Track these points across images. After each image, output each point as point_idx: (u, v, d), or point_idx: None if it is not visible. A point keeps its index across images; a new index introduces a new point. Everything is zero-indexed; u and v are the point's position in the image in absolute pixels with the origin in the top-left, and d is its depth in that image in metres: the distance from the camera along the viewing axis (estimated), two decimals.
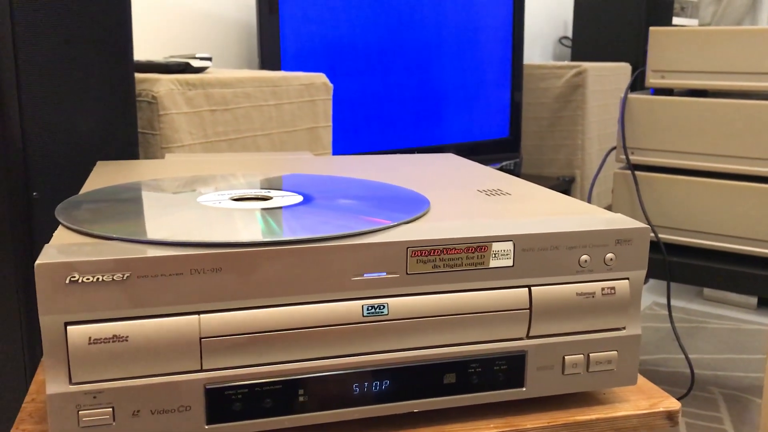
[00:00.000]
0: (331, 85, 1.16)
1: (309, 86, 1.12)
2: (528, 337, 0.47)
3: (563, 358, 0.48)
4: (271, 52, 1.44)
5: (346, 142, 1.67)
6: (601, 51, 2.47)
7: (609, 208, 1.61)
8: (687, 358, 1.31)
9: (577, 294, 0.47)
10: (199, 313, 0.40)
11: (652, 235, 1.34)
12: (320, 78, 1.14)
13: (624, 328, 0.49)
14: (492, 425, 0.47)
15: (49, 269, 0.38)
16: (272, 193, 0.55)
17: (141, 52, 1.36)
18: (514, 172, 2.14)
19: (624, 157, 1.37)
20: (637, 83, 1.44)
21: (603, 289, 0.47)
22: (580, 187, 2.19)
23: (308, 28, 1.53)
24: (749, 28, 1.26)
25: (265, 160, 0.74)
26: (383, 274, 0.43)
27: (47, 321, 0.38)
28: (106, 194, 0.54)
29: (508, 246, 0.45)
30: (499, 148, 2.13)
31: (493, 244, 0.45)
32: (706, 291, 2.36)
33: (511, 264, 0.46)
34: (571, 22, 2.64)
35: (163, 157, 0.92)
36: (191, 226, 0.44)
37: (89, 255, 0.39)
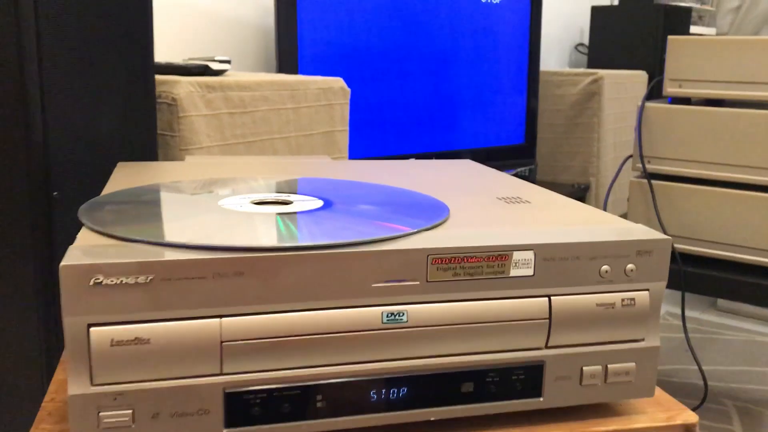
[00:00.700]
0: (348, 90, 1.16)
1: (326, 90, 1.13)
2: (547, 347, 0.47)
3: (581, 368, 0.48)
4: (289, 55, 1.45)
5: (361, 146, 1.67)
6: (617, 58, 2.46)
7: (624, 216, 1.61)
8: (700, 369, 1.30)
9: (597, 305, 0.47)
10: (220, 317, 0.41)
11: None
12: (338, 82, 1.15)
13: (643, 339, 0.49)
14: None
15: (74, 271, 0.38)
16: (292, 197, 0.55)
17: (161, 54, 1.37)
18: (529, 178, 2.13)
19: (640, 165, 1.36)
20: (654, 92, 1.43)
21: (623, 300, 0.47)
22: (595, 195, 2.19)
23: (326, 32, 1.53)
24: (767, 38, 1.25)
25: (284, 163, 0.74)
26: (403, 281, 0.43)
27: (70, 322, 0.39)
28: (128, 196, 0.55)
29: (529, 255, 0.45)
30: (515, 154, 2.13)
31: (514, 253, 0.45)
32: (720, 302, 2.34)
33: (532, 273, 0.45)
34: (588, 29, 2.64)
35: (181, 158, 0.92)
36: (214, 230, 0.45)
37: (113, 257, 0.39)
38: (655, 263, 0.48)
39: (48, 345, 0.77)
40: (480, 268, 0.45)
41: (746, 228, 1.27)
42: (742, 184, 1.27)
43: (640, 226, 0.50)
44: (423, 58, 1.79)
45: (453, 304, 0.45)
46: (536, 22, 2.13)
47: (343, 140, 1.18)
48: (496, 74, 2.03)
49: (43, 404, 0.49)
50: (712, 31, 2.98)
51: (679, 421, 0.50)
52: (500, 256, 0.45)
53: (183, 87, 0.92)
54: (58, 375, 0.53)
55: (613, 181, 1.48)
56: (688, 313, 2.29)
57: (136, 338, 0.39)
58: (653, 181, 1.36)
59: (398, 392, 0.45)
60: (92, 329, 0.39)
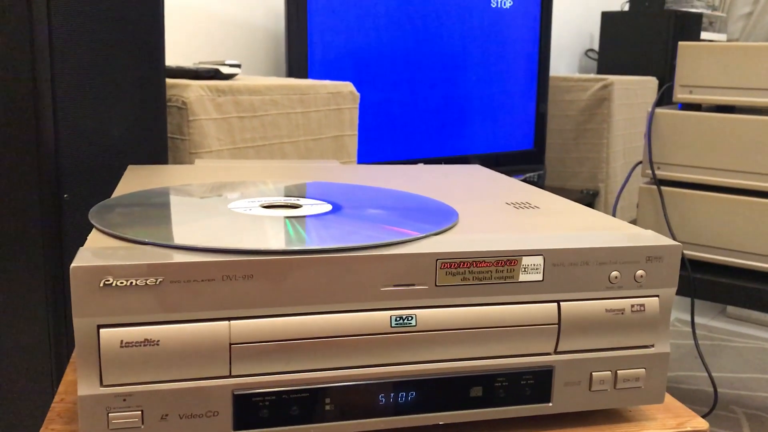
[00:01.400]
0: (357, 94, 1.17)
1: (336, 95, 1.13)
2: (556, 352, 0.47)
3: (590, 374, 0.47)
4: (299, 59, 1.45)
5: (370, 151, 1.68)
6: (627, 64, 2.45)
7: (633, 222, 1.60)
8: (710, 376, 1.29)
9: (607, 310, 0.47)
10: (229, 319, 0.41)
11: None
12: (347, 87, 1.15)
13: (653, 345, 0.48)
14: None
15: (84, 272, 0.38)
16: (301, 201, 0.55)
17: (171, 58, 1.38)
18: (538, 184, 2.13)
19: (650, 171, 1.36)
20: (664, 98, 1.43)
21: (633, 306, 0.47)
22: (604, 201, 2.18)
23: (336, 37, 1.54)
24: None
25: (293, 167, 0.74)
26: (412, 286, 0.43)
27: (80, 323, 0.39)
28: (138, 198, 0.55)
29: (539, 260, 0.45)
30: (523, 159, 2.13)
31: (523, 258, 0.45)
32: (729, 309, 2.33)
33: (541, 278, 0.45)
34: (598, 34, 2.64)
35: (191, 162, 0.92)
36: (223, 233, 0.45)
37: (123, 259, 0.39)
38: (665, 269, 0.48)
39: (58, 346, 0.78)
40: (489, 272, 0.44)
41: (756, 235, 1.26)
42: (752, 190, 1.27)
43: (649, 232, 0.50)
44: (432, 63, 1.79)
45: (462, 308, 0.45)
46: (546, 28, 2.13)
47: (352, 145, 1.18)
48: (505, 79, 2.03)
49: (52, 405, 0.49)
50: (723, 37, 2.97)
51: (689, 428, 0.50)
52: (509, 261, 0.45)
53: (193, 91, 0.92)
54: (68, 376, 0.54)
55: (623, 187, 1.47)
56: (697, 319, 2.28)
57: (145, 340, 0.39)
58: (663, 188, 1.35)
59: (407, 396, 0.45)
60: (102, 330, 0.39)
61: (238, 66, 1.11)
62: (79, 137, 0.76)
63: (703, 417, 0.49)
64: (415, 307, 0.44)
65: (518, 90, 2.08)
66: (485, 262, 0.44)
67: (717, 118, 1.28)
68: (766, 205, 1.25)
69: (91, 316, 0.39)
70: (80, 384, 0.39)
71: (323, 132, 1.12)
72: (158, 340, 0.40)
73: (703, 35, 2.70)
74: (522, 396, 0.47)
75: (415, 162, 1.79)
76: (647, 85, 2.34)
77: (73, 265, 0.38)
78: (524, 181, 2.07)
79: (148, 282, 0.39)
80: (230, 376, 0.41)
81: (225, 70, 1.04)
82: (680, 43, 1.33)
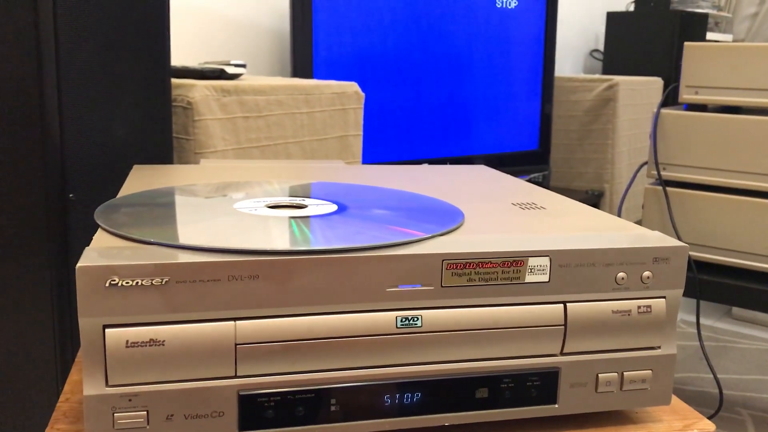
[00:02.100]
0: (362, 94, 1.16)
1: (341, 95, 1.13)
2: (562, 353, 0.46)
3: (597, 375, 0.47)
4: (304, 60, 1.45)
5: (375, 151, 1.67)
6: (632, 65, 2.45)
7: (638, 223, 1.60)
8: (716, 378, 1.29)
9: (613, 312, 0.47)
10: (235, 319, 0.41)
11: None
12: (352, 87, 1.15)
13: (659, 347, 0.48)
14: None
15: (90, 272, 0.38)
16: (306, 201, 0.55)
17: (177, 58, 1.38)
18: (543, 184, 2.13)
19: (655, 172, 1.36)
20: (670, 98, 1.42)
21: (639, 307, 0.47)
22: (609, 202, 2.18)
23: (341, 37, 1.54)
24: None
25: (298, 167, 0.74)
26: (418, 286, 0.43)
27: (86, 323, 0.39)
28: (144, 198, 0.55)
29: (545, 261, 0.45)
30: (528, 160, 2.13)
31: (530, 258, 0.45)
32: (735, 310, 2.32)
33: (547, 279, 0.45)
34: (603, 35, 2.63)
35: (196, 161, 0.93)
36: (229, 233, 0.45)
37: (129, 259, 0.39)
38: (671, 271, 0.47)
39: (63, 345, 0.78)
40: (495, 273, 0.44)
41: (762, 236, 1.25)
42: (758, 191, 1.26)
43: (656, 233, 0.50)
44: (437, 63, 1.79)
45: (467, 309, 0.44)
46: (551, 28, 2.13)
47: (357, 145, 1.18)
48: (510, 80, 2.03)
49: (58, 404, 0.49)
50: (728, 37, 2.96)
51: (696, 430, 0.49)
52: (515, 261, 0.45)
53: (198, 91, 0.92)
54: (73, 375, 0.54)
55: (628, 187, 1.47)
56: (702, 321, 2.27)
57: (151, 340, 0.39)
58: (668, 188, 1.35)
59: (412, 397, 0.44)
60: (107, 330, 0.39)
61: (243, 66, 1.11)
62: (85, 137, 0.76)
63: (709, 419, 0.49)
64: (421, 307, 0.44)
65: (523, 90, 2.08)
66: (491, 263, 0.44)
67: (723, 118, 1.28)
68: None
69: (96, 316, 0.39)
70: (86, 384, 0.39)
71: (328, 132, 1.12)
72: (164, 340, 0.40)
73: (709, 36, 2.69)
74: (528, 397, 0.46)
75: (419, 162, 1.79)
76: (652, 85, 2.33)
77: (78, 264, 0.38)
78: (529, 181, 2.07)
79: (153, 282, 0.39)
80: (236, 377, 0.41)
81: (230, 70, 1.04)
82: (686, 43, 1.32)
